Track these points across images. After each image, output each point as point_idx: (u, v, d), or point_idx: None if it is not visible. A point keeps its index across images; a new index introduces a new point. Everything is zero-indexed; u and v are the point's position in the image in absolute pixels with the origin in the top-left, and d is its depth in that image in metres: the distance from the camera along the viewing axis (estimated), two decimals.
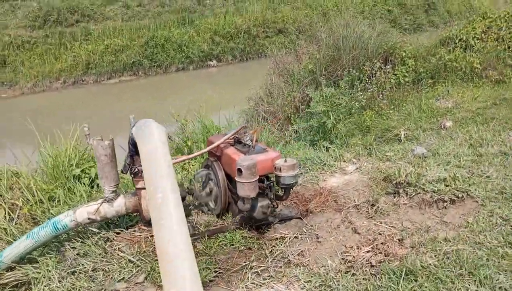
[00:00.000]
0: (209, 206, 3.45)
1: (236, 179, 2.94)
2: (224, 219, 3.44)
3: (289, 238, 3.16)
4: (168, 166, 2.32)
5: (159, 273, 2.74)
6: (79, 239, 3.09)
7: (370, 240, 3.12)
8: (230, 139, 3.32)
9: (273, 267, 2.84)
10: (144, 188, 3.00)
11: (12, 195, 3.70)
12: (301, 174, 4.24)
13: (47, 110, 14.52)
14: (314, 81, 8.37)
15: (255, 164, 2.91)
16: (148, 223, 3.28)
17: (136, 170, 2.98)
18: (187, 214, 3.47)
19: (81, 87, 17.57)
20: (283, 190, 3.15)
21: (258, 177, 2.96)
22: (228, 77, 18.13)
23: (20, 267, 2.95)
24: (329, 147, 4.92)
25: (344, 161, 4.46)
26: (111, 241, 3.13)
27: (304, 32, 15.36)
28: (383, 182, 3.90)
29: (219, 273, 2.80)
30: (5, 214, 3.58)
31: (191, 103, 13.46)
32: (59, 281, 2.81)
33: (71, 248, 3.06)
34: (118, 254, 2.98)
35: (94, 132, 2.98)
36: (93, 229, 3.15)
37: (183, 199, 3.32)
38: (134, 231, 3.28)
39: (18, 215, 3.60)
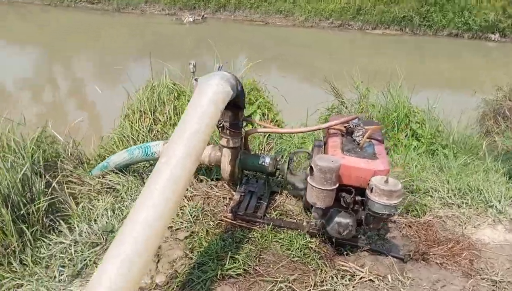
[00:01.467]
0: (297, 193, 2.91)
1: (308, 178, 2.32)
2: (309, 215, 2.86)
3: (361, 279, 2.39)
4: (196, 132, 1.94)
5: (200, 238, 2.53)
6: None
7: None
8: (342, 126, 2.61)
9: None
10: (226, 146, 2.73)
11: (161, 110, 3.99)
12: (453, 205, 3.11)
13: (307, 45, 15.21)
14: None
15: (333, 168, 2.20)
16: (232, 183, 3.02)
17: (222, 124, 2.69)
18: (273, 191, 3.04)
19: (345, 31, 17.60)
20: (370, 216, 2.33)
21: (335, 186, 2.26)
22: (507, 58, 14.93)
23: (117, 174, 3.19)
24: None
25: None
26: (190, 185, 3.03)
27: None
28: None
29: (248, 273, 2.36)
30: (149, 123, 3.92)
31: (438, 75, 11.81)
32: (132, 201, 2.92)
33: None
34: (184, 201, 2.87)
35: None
36: None
37: (272, 174, 2.89)
38: (216, 185, 3.08)
39: (157, 129, 3.89)
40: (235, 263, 2.38)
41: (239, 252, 2.47)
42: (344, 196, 2.40)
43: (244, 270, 2.36)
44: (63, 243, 2.53)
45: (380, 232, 2.86)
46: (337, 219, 2.42)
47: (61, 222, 2.69)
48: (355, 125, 2.53)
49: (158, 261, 2.42)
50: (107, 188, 3.21)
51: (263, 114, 4.36)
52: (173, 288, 2.23)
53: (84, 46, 13.38)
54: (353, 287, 2.34)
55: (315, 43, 15.94)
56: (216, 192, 3.00)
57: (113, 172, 3.27)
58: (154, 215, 1.71)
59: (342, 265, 2.47)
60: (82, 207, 2.90)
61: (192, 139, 1.93)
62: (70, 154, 3.61)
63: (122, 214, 2.80)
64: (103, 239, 2.54)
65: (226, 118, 2.65)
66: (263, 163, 2.83)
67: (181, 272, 2.32)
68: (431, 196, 3.21)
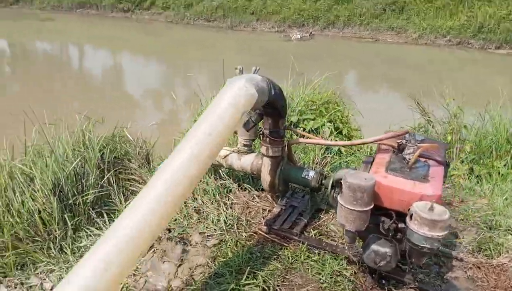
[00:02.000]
0: None
1: (338, 196, 2.06)
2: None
3: None
4: (209, 134, 1.84)
5: (227, 247, 2.42)
6: (212, 177, 3.05)
7: None
8: (394, 143, 2.29)
9: None
10: (266, 155, 2.58)
11: None
12: None
13: (420, 63, 14.29)
14: None
15: (363, 187, 1.92)
16: (274, 194, 2.86)
17: (262, 131, 2.55)
18: (319, 209, 2.79)
19: (463, 50, 16.19)
20: (411, 248, 1.97)
21: (367, 208, 1.96)
22: None
23: None
24: None
25: None
26: (232, 193, 2.93)
27: None
28: None
29: None
30: None
31: None
32: None
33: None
34: (222, 208, 2.76)
35: None
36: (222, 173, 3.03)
37: (316, 189, 2.66)
38: (259, 196, 2.93)
39: None
40: (255, 279, 2.20)
41: (263, 268, 2.29)
42: (384, 221, 2.08)
43: (264, 289, 2.17)
44: (100, 236, 2.60)
45: (441, 270, 2.45)
46: (374, 247, 2.11)
47: (105, 215, 2.78)
48: (407, 141, 2.20)
49: (180, 265, 2.35)
50: None
51: (335, 128, 4.10)
52: None
53: (197, 58, 14.28)
54: None
55: (429, 61, 14.93)
56: (257, 202, 2.86)
57: None
58: (132, 218, 1.64)
59: None
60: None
61: (203, 141, 1.83)
62: (138, 153, 3.76)
63: None
64: None
65: (266, 125, 2.50)
66: (306, 177, 2.61)
67: (198, 280, 2.22)
68: None
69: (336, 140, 3.59)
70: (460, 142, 4.18)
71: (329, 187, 2.51)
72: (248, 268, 2.25)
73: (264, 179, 2.65)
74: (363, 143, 2.47)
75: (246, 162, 2.76)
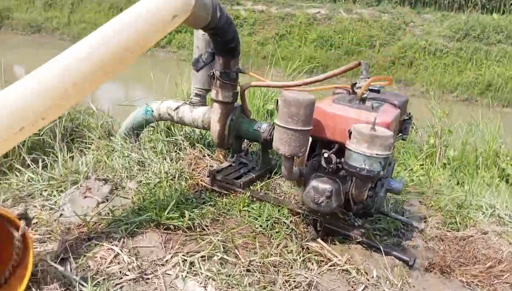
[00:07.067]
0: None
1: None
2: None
3: (332, 266, 1.76)
4: (111, 37, 1.63)
5: (159, 189, 2.18)
6: (163, 134, 2.86)
7: None
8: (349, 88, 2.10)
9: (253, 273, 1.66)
10: (215, 100, 2.40)
11: None
12: (510, 224, 2.24)
13: None
14: None
15: (300, 101, 1.70)
16: (225, 149, 2.65)
17: (212, 73, 2.37)
18: (272, 170, 2.53)
19: (469, 106, 16.18)
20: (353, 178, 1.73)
21: (304, 127, 1.74)
22: None
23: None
24: None
25: None
26: (182, 151, 2.69)
27: None
28: None
29: (190, 229, 1.90)
30: None
31: None
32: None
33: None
34: (167, 161, 2.53)
35: None
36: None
37: (268, 143, 2.42)
38: (211, 155, 2.69)
39: None
40: (181, 218, 1.93)
41: (193, 209, 2.03)
42: (325, 153, 1.85)
43: (188, 227, 1.90)
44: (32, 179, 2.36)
45: (398, 238, 2.17)
46: (314, 183, 1.86)
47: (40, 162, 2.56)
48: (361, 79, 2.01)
49: (103, 202, 2.09)
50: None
51: None
52: (101, 223, 1.88)
53: None
54: (308, 269, 1.70)
55: None
56: (207, 160, 2.62)
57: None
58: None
59: (314, 247, 1.86)
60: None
61: (102, 43, 1.63)
62: (100, 126, 3.59)
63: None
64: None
65: (217, 66, 2.34)
66: (258, 129, 2.40)
67: (118, 214, 1.96)
68: (483, 213, 2.39)
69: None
70: (444, 147, 3.96)
71: None
72: (176, 205, 2.00)
73: (213, 128, 2.44)
74: (316, 81, 2.25)
75: (197, 113, 2.58)
